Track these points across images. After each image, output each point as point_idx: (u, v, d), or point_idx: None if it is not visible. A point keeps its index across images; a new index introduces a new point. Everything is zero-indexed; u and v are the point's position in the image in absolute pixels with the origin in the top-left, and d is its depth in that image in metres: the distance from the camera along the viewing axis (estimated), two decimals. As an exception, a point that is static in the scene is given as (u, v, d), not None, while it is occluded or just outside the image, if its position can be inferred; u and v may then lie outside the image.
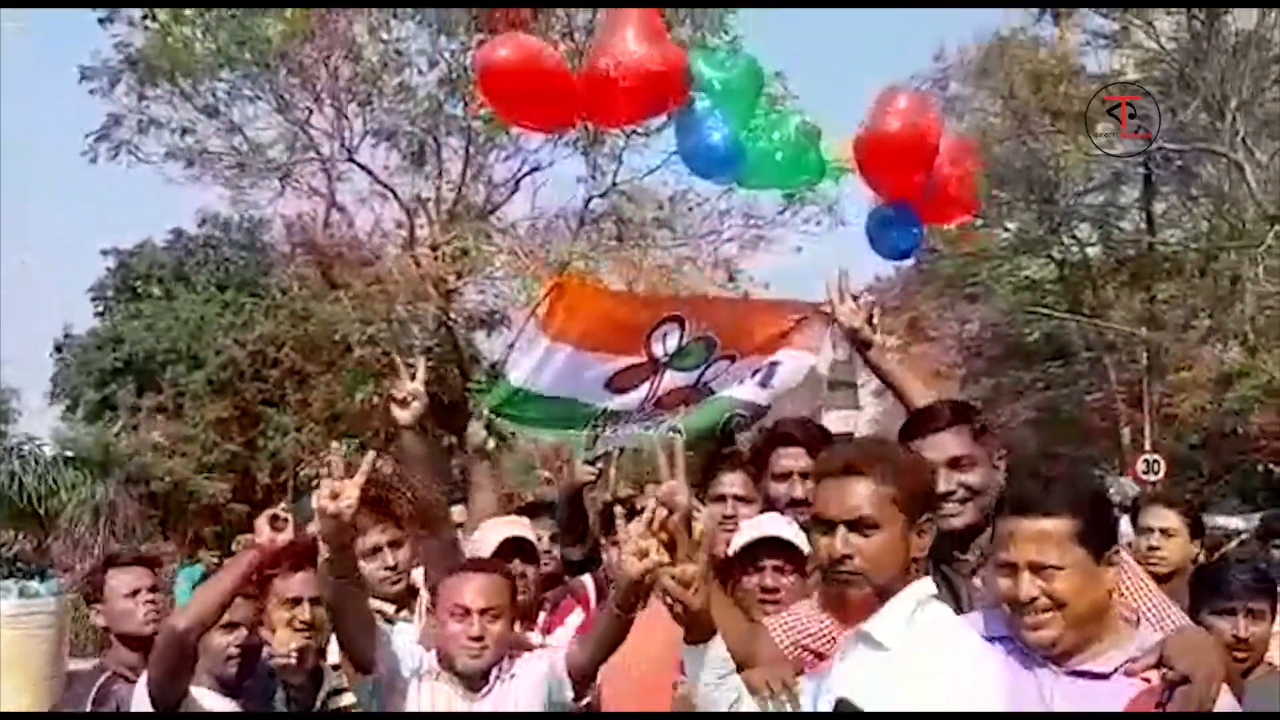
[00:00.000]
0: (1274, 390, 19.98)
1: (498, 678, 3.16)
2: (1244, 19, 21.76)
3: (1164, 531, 4.32)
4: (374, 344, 18.93)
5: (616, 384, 4.23)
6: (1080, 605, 2.37)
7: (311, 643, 3.50)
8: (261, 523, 3.31)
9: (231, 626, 3.35)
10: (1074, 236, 25.77)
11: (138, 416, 21.86)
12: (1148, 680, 2.34)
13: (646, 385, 4.25)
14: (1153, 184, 24.68)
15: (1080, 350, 25.85)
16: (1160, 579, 3.56)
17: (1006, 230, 25.88)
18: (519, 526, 3.94)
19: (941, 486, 2.85)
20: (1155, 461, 21.25)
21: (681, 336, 4.19)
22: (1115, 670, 2.37)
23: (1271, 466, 21.17)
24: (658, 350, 4.20)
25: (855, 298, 3.69)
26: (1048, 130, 22.94)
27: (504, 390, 4.26)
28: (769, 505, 3.60)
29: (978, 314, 27.49)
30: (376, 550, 3.85)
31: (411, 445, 3.84)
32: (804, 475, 3.50)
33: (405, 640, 3.33)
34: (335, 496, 2.85)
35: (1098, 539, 2.41)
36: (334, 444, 3.09)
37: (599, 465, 4.30)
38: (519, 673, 3.18)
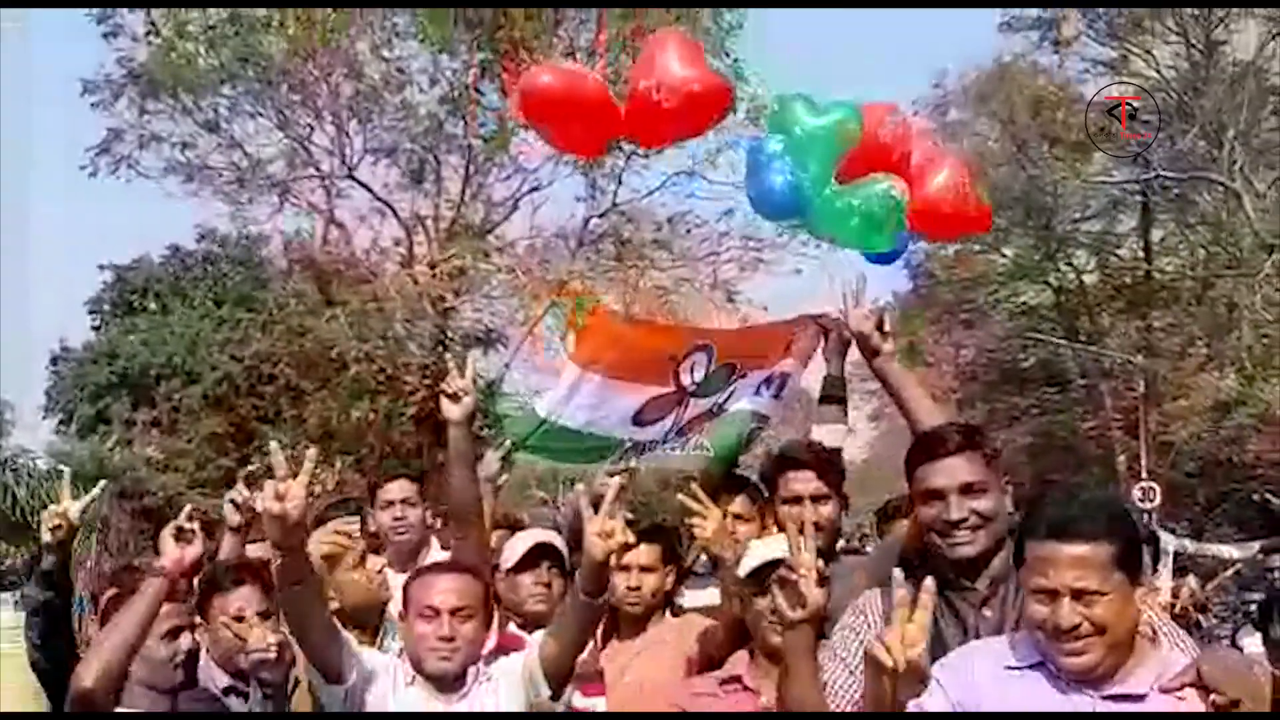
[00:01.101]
0: (1271, 419, 19.99)
1: (475, 680, 3.05)
2: (1242, 49, 21.90)
3: None
4: (370, 361, 18.92)
5: (644, 416, 4.23)
6: (1119, 629, 2.35)
7: (285, 639, 3.26)
8: (166, 538, 3.11)
9: (175, 633, 3.22)
10: (1071, 263, 25.84)
11: (132, 431, 21.83)
12: (1183, 699, 2.33)
13: (672, 416, 4.25)
14: (1150, 211, 24.77)
15: (1076, 377, 25.88)
16: None
17: (1004, 256, 25.96)
18: (549, 534, 3.90)
19: (953, 515, 2.80)
20: (1151, 489, 21.22)
21: (709, 365, 4.20)
22: (1149, 690, 2.36)
23: (1268, 495, 21.16)
24: (686, 380, 4.21)
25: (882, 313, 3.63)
26: (1046, 157, 23.03)
27: (528, 422, 4.23)
28: (780, 530, 3.59)
29: (974, 340, 27.52)
30: (389, 504, 4.15)
31: (458, 442, 3.77)
32: (814, 499, 3.50)
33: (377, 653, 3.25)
34: (281, 498, 2.72)
35: (1133, 561, 2.38)
36: (272, 443, 2.97)
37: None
38: (496, 674, 3.08)
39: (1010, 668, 2.45)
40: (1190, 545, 15.10)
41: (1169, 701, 2.33)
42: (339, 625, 3.05)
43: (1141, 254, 25.30)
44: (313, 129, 19.82)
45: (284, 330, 20.81)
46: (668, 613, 3.79)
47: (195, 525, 3.12)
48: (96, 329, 24.42)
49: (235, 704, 3.40)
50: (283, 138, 19.80)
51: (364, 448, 19.88)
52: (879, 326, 3.52)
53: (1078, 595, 2.32)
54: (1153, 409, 23.45)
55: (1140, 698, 2.35)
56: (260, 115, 19.51)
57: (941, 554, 2.86)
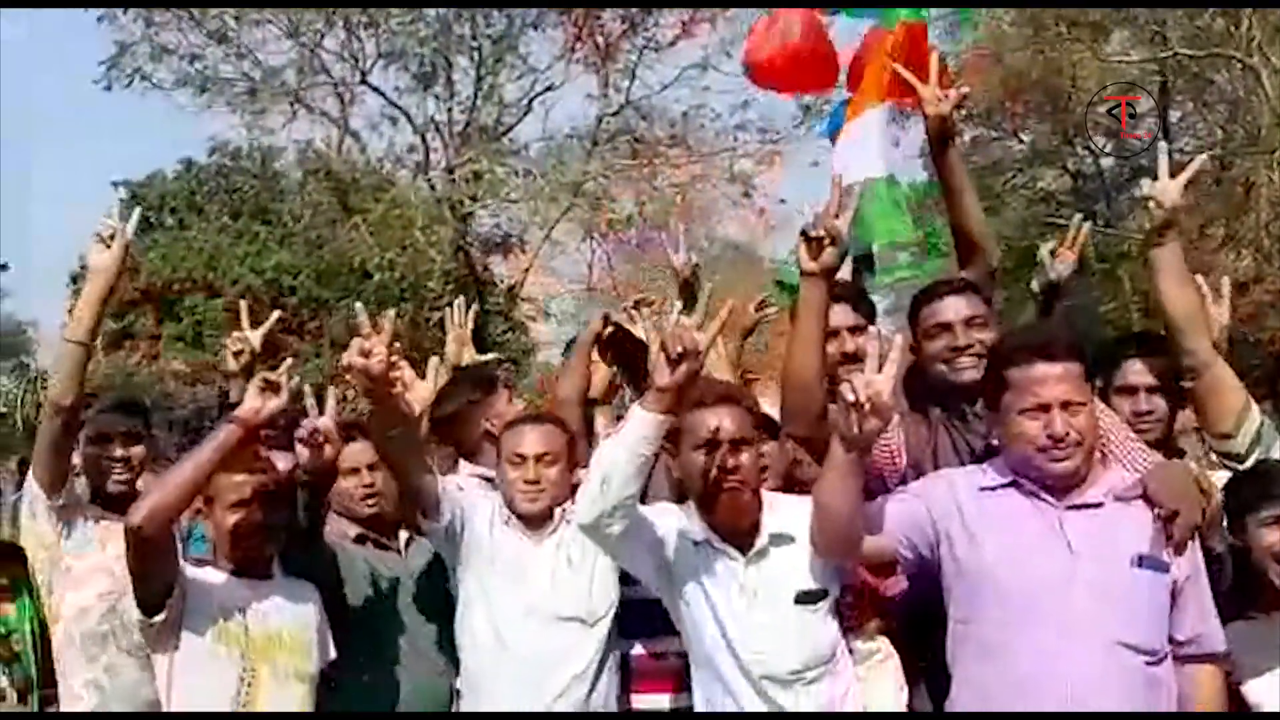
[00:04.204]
0: (1287, 295, 19.97)
1: (562, 519, 3.34)
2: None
3: (1150, 390, 3.42)
4: (392, 269, 18.98)
5: None
6: (1091, 439, 2.69)
7: (379, 509, 3.67)
8: (252, 389, 3.09)
9: (241, 505, 3.18)
10: (1089, 147, 25.57)
11: (157, 345, 22.05)
12: (1133, 506, 2.69)
13: None
14: (1169, 92, 24.41)
15: (1095, 261, 25.77)
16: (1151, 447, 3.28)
17: (1021, 142, 25.72)
18: None
19: (960, 341, 3.06)
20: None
21: None
22: (1104, 499, 2.70)
23: (1284, 370, 21.21)
24: None
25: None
26: (1064, 38, 22.64)
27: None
28: None
29: (992, 227, 27.39)
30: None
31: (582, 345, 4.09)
32: (852, 330, 3.50)
33: (476, 492, 3.47)
34: (366, 354, 2.96)
35: (1092, 381, 2.75)
36: (357, 304, 3.18)
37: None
38: None
39: (984, 488, 2.75)
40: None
41: (1121, 507, 2.68)
42: (431, 464, 3.31)
43: (1160, 135, 25.01)
44: (322, 35, 19.62)
45: (303, 242, 20.87)
46: None
47: (282, 381, 3.11)
48: (115, 246, 24.50)
49: (359, 551, 3.63)
50: (292, 45, 19.63)
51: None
52: (956, 108, 3.55)
53: (1065, 406, 2.62)
54: (1172, 290, 23.31)
55: (1098, 505, 2.68)
56: (269, 22, 19.32)
57: (948, 385, 3.09)
